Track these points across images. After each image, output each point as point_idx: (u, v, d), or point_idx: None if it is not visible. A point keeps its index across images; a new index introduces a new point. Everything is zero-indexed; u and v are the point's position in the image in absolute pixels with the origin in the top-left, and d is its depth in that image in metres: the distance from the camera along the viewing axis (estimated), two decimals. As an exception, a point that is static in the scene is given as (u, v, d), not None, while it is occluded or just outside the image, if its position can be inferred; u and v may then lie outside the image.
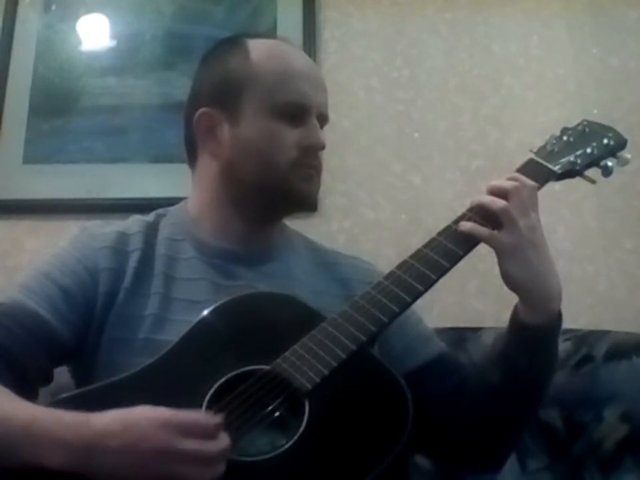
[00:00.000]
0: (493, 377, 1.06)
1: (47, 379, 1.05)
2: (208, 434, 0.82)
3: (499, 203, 1.01)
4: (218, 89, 1.13)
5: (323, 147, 1.13)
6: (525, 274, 0.99)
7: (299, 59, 1.16)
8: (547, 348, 1.04)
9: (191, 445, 0.80)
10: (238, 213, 1.13)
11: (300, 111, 1.10)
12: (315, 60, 1.91)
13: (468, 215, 1.04)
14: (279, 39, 1.20)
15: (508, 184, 1.02)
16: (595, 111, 1.94)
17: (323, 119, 1.14)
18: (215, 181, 1.13)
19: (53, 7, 2.03)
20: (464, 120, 1.97)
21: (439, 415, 1.07)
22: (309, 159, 1.11)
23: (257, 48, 1.14)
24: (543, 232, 1.02)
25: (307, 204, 1.14)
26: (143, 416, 0.82)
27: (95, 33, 2.01)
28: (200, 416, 0.85)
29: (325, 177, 1.14)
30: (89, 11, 2.02)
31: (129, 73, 1.97)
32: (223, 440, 0.83)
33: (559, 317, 1.03)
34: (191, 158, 1.18)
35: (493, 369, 1.07)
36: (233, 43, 1.17)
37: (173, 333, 0.99)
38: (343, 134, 1.91)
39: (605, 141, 1.14)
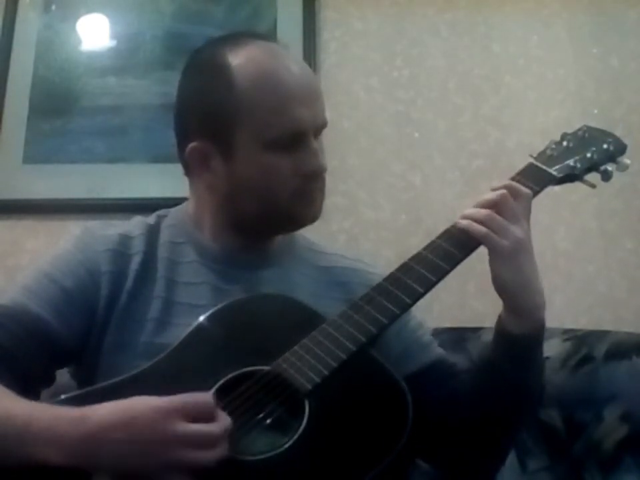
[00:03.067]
0: (483, 384, 1.06)
1: (49, 380, 1.05)
2: (208, 415, 0.83)
3: (483, 211, 1.01)
4: (206, 123, 1.07)
5: (324, 171, 1.09)
6: (515, 279, 0.99)
7: (287, 73, 1.05)
8: (533, 357, 1.04)
9: (193, 427, 0.81)
10: (239, 230, 1.12)
11: (296, 138, 1.05)
12: (315, 61, 1.92)
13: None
14: (261, 44, 1.09)
15: (493, 195, 1.02)
16: (595, 111, 1.94)
17: (321, 127, 1.10)
18: (213, 208, 1.12)
19: (53, 7, 2.03)
20: (464, 120, 1.96)
21: (434, 419, 1.06)
22: (310, 185, 1.08)
23: (241, 72, 1.05)
24: (531, 241, 1.01)
25: (311, 223, 1.12)
26: (141, 405, 0.82)
27: (95, 33, 2.01)
28: (197, 397, 0.84)
29: (326, 177, 1.11)
30: (89, 11, 2.02)
31: (128, 72, 1.97)
32: (224, 419, 0.83)
33: (542, 326, 1.03)
34: (187, 172, 1.14)
35: (482, 377, 1.07)
36: (213, 63, 1.08)
37: (175, 337, 0.99)
38: (343, 134, 1.91)
39: (605, 146, 1.14)
